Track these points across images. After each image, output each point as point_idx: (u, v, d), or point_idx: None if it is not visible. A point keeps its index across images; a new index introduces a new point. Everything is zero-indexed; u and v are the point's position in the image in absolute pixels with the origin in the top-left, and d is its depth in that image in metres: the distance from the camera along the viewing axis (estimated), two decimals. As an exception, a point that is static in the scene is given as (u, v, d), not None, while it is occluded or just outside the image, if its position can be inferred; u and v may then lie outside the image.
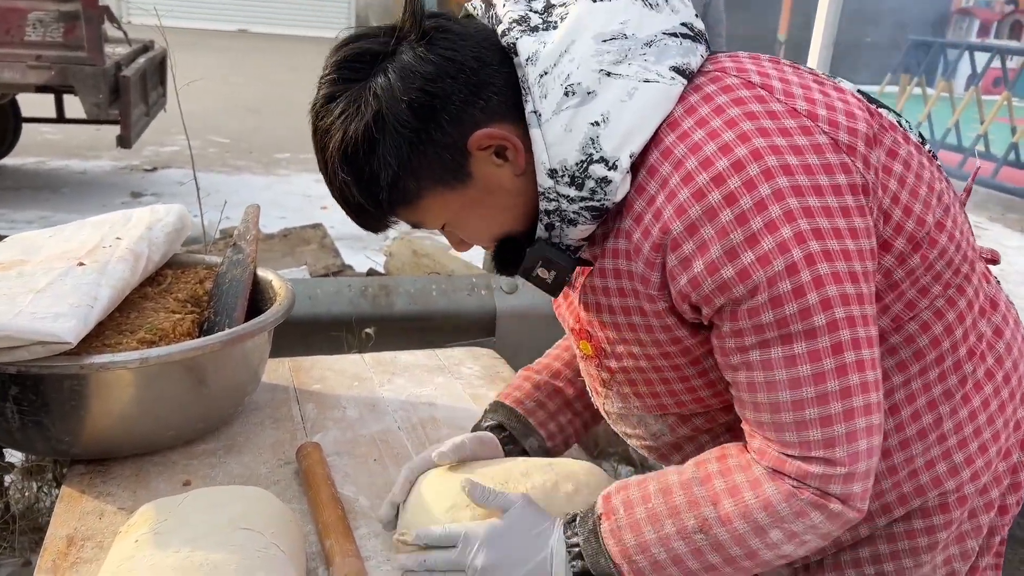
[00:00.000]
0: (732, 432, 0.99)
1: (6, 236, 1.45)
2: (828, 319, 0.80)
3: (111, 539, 1.01)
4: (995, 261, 1.05)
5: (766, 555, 0.86)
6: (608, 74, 0.84)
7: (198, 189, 2.38)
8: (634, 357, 0.95)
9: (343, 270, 3.41)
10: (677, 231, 0.81)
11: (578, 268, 0.96)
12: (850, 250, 0.81)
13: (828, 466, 0.82)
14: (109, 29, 4.86)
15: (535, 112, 0.85)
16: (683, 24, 0.89)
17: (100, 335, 1.18)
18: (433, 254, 2.96)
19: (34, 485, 2.09)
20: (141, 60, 5.06)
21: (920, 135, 0.95)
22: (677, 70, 0.86)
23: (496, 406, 1.19)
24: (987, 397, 0.96)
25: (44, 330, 1.04)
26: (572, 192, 0.86)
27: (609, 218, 0.90)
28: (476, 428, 1.18)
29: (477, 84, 0.85)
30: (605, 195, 0.86)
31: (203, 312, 1.35)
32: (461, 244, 0.98)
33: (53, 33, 4.35)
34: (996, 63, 8.55)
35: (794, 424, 0.82)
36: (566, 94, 0.84)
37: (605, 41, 0.85)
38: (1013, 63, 8.74)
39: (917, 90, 8.61)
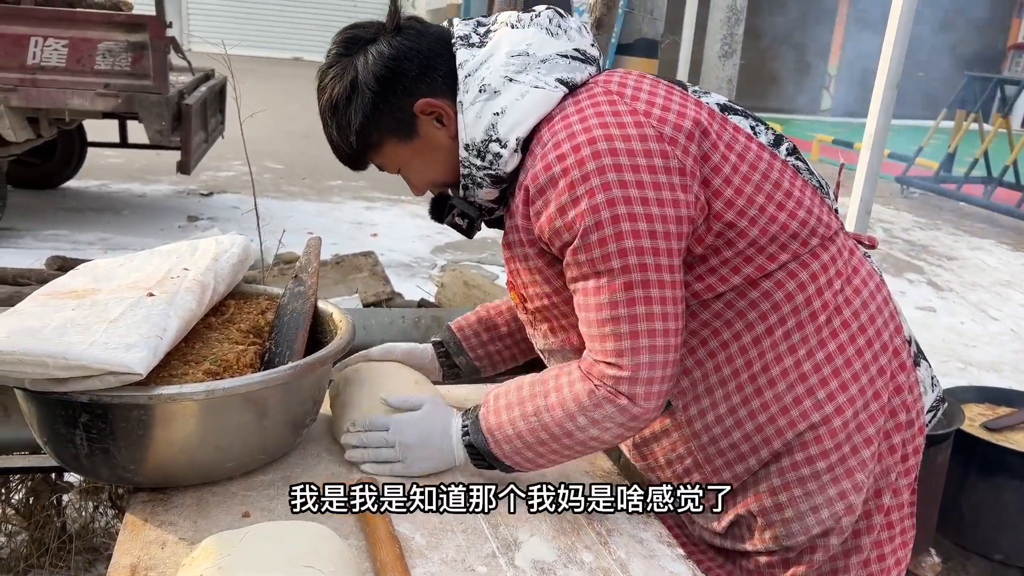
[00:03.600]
0: None
1: (87, 260, 1.49)
2: (622, 264, 1.08)
3: (173, 570, 1.02)
4: (872, 246, 1.35)
5: (579, 436, 1.15)
6: (510, 80, 1.16)
7: (258, 217, 2.44)
8: (540, 297, 1.24)
9: (393, 298, 3.43)
10: (532, 192, 1.12)
11: (503, 234, 1.24)
12: (654, 215, 1.07)
13: (617, 370, 1.10)
14: (173, 58, 5.02)
15: (460, 102, 1.17)
16: (576, 49, 1.20)
17: (167, 365, 1.21)
18: (483, 285, 2.97)
19: (90, 505, 2.14)
20: (203, 88, 5.22)
21: (776, 137, 1.22)
22: (562, 81, 1.17)
23: (446, 329, 1.54)
24: (843, 343, 1.18)
25: (116, 361, 1.06)
26: (478, 162, 1.18)
27: (512, 191, 1.20)
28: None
29: (426, 67, 1.18)
30: (498, 166, 1.17)
31: (264, 343, 1.37)
32: (415, 188, 1.29)
33: (121, 62, 4.50)
34: (1057, 100, 8.34)
35: (599, 337, 1.12)
36: (480, 91, 1.16)
37: (513, 56, 1.17)
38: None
39: (974, 126, 8.44)
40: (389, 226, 5.95)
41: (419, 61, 1.18)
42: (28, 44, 4.47)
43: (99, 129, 5.93)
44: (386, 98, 1.18)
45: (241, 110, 2.47)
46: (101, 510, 2.14)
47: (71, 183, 6.23)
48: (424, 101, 1.18)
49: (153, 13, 4.64)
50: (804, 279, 1.16)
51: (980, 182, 8.28)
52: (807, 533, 1.19)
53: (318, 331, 1.42)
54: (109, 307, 1.20)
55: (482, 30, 1.21)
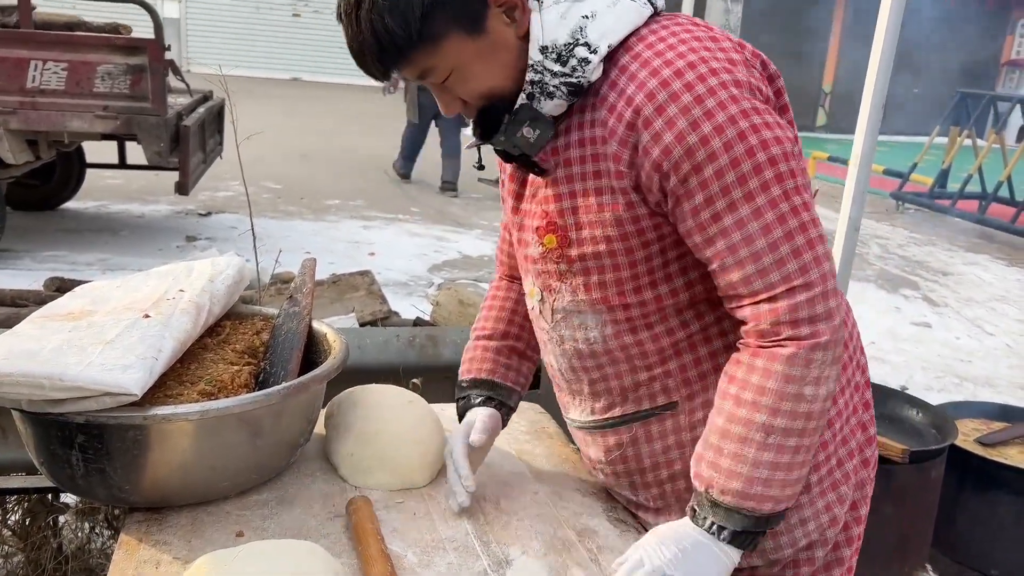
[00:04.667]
0: (644, 371, 1.16)
1: (85, 281, 1.50)
2: (775, 172, 0.99)
3: (167, 589, 1.03)
4: None
5: (815, 407, 1.03)
6: None
7: (254, 238, 2.46)
8: (595, 241, 1.09)
9: (389, 316, 3.45)
10: (648, 112, 1.00)
11: (552, 164, 1.11)
12: (779, 134, 1.01)
13: (808, 290, 1.00)
14: (172, 80, 5.06)
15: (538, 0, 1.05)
16: None
17: (162, 386, 1.22)
18: (478, 304, 2.98)
19: (86, 526, 2.14)
20: (201, 110, 5.25)
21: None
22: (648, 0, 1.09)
23: (476, 383, 1.37)
24: None
25: (112, 381, 1.08)
26: (556, 67, 1.04)
27: (578, 110, 1.08)
28: (467, 406, 1.36)
29: None
30: (584, 72, 1.04)
31: (259, 363, 1.39)
32: (453, 103, 1.11)
33: (120, 85, 4.54)
34: (1050, 115, 8.42)
35: (775, 264, 1.00)
36: None
37: None
38: (1067, 116, 8.59)
39: (968, 142, 8.50)
40: (386, 245, 5.98)
41: None
42: (28, 67, 4.51)
43: (98, 150, 5.96)
44: None
45: (239, 131, 2.50)
46: (97, 531, 2.15)
47: (70, 204, 6.25)
48: None
49: (152, 36, 4.69)
50: None
51: (975, 198, 8.34)
52: (794, 546, 1.19)
53: (312, 351, 1.44)
54: (105, 328, 1.22)
55: None
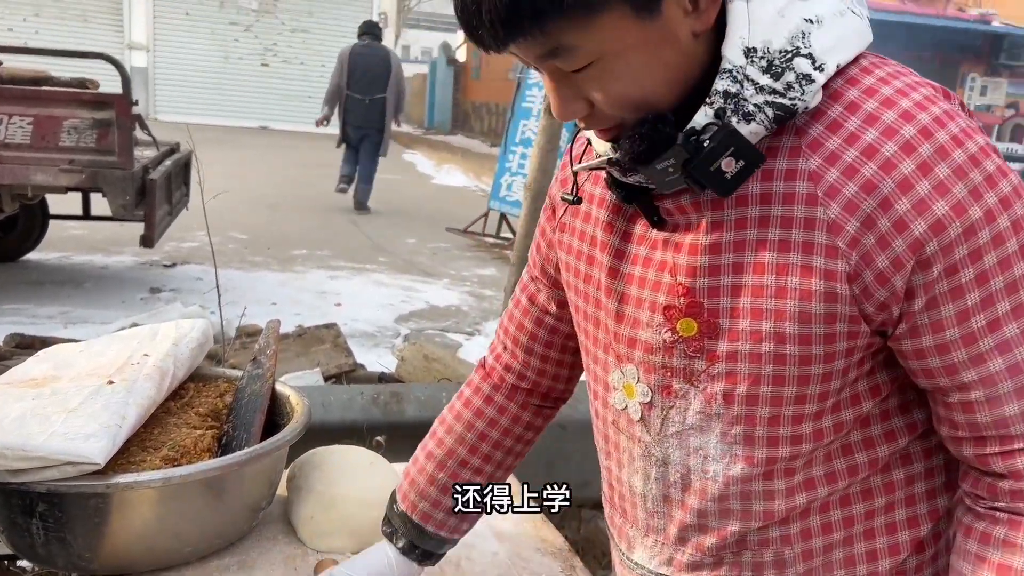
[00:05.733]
0: (763, 532, 0.87)
1: (46, 336, 1.51)
2: None
3: (126, 659, 1.04)
4: None
5: None
6: None
7: (219, 294, 2.48)
8: (759, 338, 0.78)
9: (355, 369, 3.47)
10: (908, 170, 0.71)
11: (695, 220, 0.80)
12: None
13: None
14: (139, 133, 5.08)
15: None
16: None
17: (125, 452, 1.23)
18: (443, 358, 3.02)
19: (43, 590, 2.10)
20: (167, 163, 5.27)
21: None
22: (871, 25, 0.81)
23: (403, 520, 1.12)
24: None
25: (75, 451, 1.09)
26: (764, 80, 0.73)
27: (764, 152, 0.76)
28: (390, 538, 1.14)
29: None
30: (802, 94, 0.73)
31: (222, 426, 1.40)
32: (575, 104, 0.78)
33: (87, 139, 4.55)
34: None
35: None
36: None
37: None
38: (1017, 167, 8.93)
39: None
40: (353, 295, 5.98)
41: None
42: (-8, 122, 4.51)
43: (62, 201, 5.93)
44: None
45: (207, 179, 2.53)
46: (54, 595, 2.11)
47: (31, 255, 6.18)
48: None
49: (119, 91, 4.72)
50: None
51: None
52: None
53: (275, 413, 1.46)
54: (69, 396, 1.23)
55: None
